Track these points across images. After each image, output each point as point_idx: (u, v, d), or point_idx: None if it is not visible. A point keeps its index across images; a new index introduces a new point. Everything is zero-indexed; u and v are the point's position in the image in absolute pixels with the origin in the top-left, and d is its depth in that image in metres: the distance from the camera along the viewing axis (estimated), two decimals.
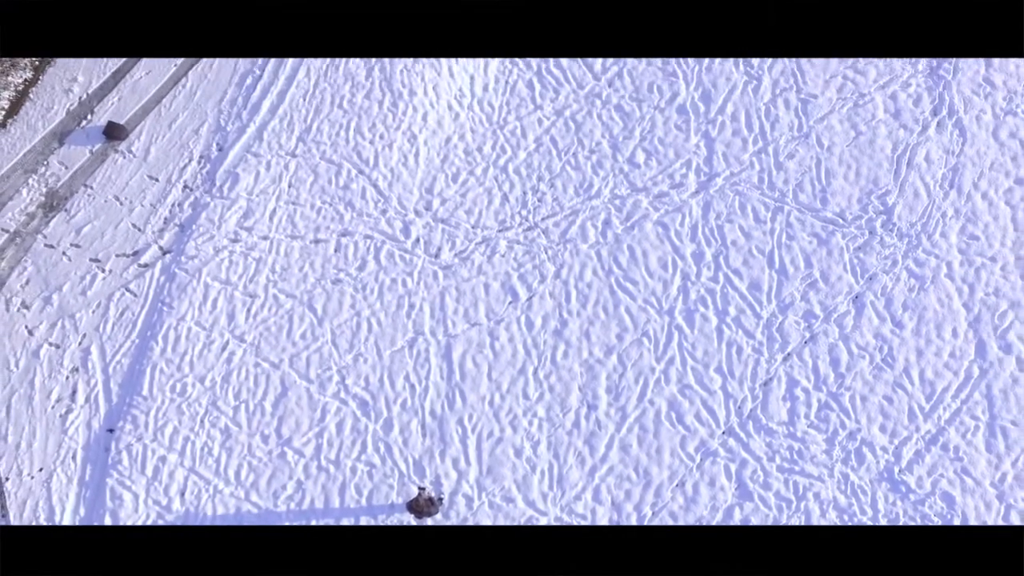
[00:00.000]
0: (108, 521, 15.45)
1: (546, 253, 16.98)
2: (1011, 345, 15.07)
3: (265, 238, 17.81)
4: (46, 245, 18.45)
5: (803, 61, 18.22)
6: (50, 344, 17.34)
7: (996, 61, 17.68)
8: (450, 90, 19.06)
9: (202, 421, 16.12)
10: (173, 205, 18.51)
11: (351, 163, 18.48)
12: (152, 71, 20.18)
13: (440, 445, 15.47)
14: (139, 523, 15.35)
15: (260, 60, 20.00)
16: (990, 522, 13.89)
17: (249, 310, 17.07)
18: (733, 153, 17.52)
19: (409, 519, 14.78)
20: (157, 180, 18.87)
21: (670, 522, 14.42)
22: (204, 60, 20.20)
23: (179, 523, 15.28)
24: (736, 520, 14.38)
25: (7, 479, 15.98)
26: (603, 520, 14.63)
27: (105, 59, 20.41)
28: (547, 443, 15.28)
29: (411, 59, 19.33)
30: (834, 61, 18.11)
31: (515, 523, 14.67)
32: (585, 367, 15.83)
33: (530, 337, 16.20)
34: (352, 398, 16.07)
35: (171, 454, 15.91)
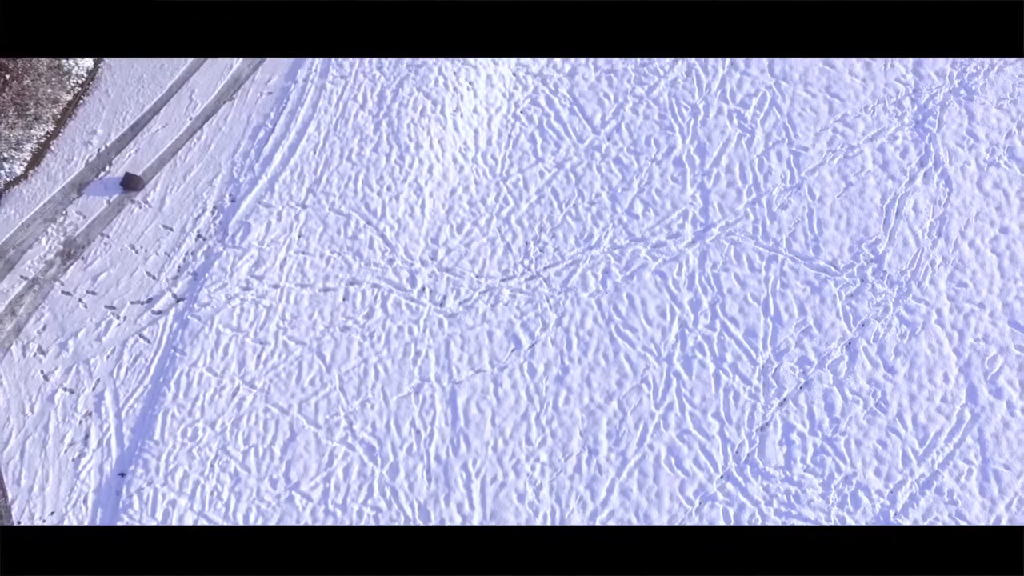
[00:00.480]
0: None
1: (548, 301, 17.49)
2: (1002, 390, 15.47)
3: (276, 286, 18.36)
4: (63, 292, 19.01)
5: (794, 115, 18.94)
6: (64, 389, 17.79)
7: (979, 114, 18.38)
8: (455, 143, 19.76)
9: (212, 465, 16.49)
10: (187, 254, 19.10)
11: (359, 214, 19.10)
12: (169, 124, 20.95)
13: (445, 490, 15.81)
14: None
15: (272, 114, 20.76)
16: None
17: (259, 356, 17.55)
18: (728, 204, 18.12)
19: None
20: (172, 229, 19.49)
21: None
22: (219, 113, 20.94)
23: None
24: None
25: (18, 524, 16.30)
26: None
27: (124, 112, 21.21)
28: (549, 487, 15.62)
29: (417, 113, 20.08)
30: (824, 116, 18.82)
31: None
32: (586, 412, 16.23)
33: (532, 383, 16.63)
34: (359, 443, 16.46)
35: (181, 498, 16.25)
